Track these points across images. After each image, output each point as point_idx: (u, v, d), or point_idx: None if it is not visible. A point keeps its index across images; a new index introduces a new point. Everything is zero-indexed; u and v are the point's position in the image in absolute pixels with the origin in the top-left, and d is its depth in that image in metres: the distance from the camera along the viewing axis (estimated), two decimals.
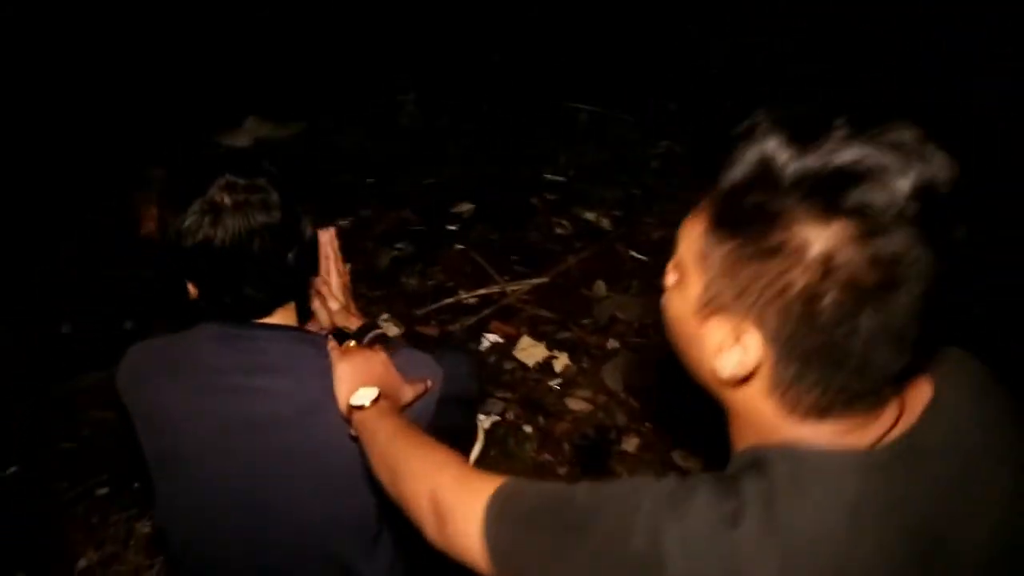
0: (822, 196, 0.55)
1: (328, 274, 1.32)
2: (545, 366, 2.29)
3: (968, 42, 2.93)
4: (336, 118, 3.71)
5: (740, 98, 3.38)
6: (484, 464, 2.04)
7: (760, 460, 0.62)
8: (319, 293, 1.32)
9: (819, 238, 0.55)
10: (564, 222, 2.96)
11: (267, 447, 1.04)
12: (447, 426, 1.20)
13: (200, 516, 1.09)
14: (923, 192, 0.54)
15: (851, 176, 0.54)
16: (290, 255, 1.03)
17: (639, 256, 2.74)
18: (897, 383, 0.63)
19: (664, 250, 0.70)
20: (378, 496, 1.01)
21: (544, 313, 2.47)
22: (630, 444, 2.02)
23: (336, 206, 2.99)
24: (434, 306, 2.53)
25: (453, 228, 2.93)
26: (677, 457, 1.98)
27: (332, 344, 1.07)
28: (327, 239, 1.31)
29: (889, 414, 0.63)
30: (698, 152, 3.32)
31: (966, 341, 0.70)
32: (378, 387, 0.99)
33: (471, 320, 2.46)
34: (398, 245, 2.84)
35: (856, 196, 0.54)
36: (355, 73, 3.95)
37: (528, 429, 2.15)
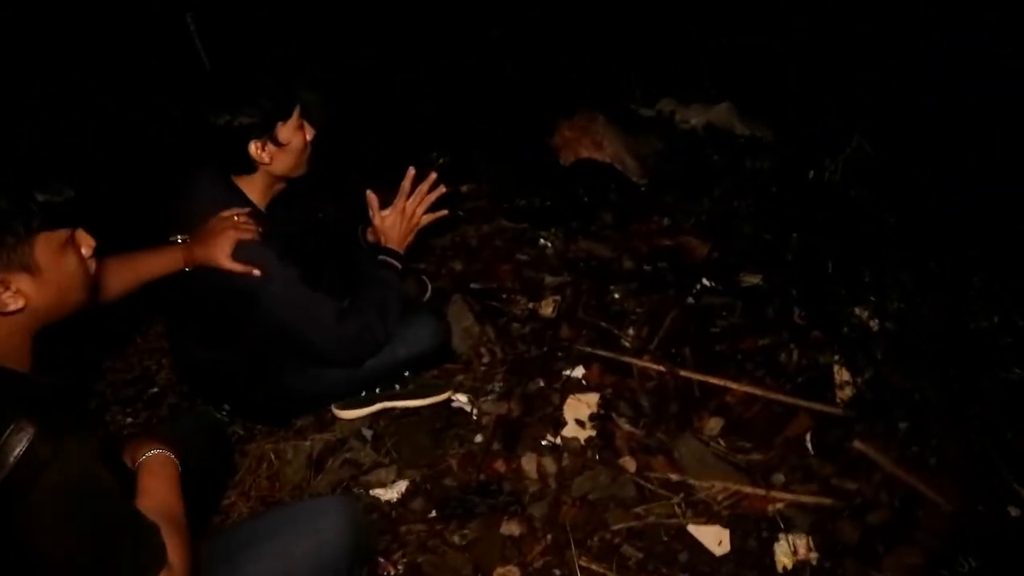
0: None
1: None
2: (560, 423, 2.11)
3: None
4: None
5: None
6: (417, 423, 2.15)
7: None
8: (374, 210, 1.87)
9: None
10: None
11: None
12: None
13: None
14: None
15: None
16: None
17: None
18: None
19: None
20: None
21: (641, 401, 2.16)
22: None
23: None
24: (577, 328, 2.43)
25: (710, 284, 2.53)
26: None
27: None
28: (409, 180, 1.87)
29: None
30: None
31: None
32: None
33: (571, 369, 2.26)
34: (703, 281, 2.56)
35: None
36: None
37: (478, 440, 2.10)
